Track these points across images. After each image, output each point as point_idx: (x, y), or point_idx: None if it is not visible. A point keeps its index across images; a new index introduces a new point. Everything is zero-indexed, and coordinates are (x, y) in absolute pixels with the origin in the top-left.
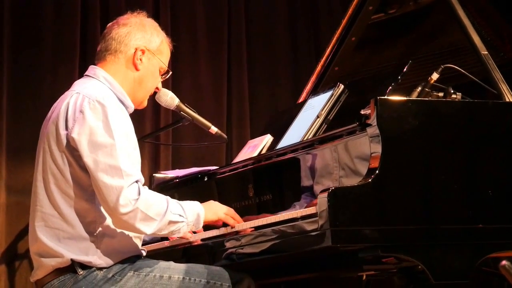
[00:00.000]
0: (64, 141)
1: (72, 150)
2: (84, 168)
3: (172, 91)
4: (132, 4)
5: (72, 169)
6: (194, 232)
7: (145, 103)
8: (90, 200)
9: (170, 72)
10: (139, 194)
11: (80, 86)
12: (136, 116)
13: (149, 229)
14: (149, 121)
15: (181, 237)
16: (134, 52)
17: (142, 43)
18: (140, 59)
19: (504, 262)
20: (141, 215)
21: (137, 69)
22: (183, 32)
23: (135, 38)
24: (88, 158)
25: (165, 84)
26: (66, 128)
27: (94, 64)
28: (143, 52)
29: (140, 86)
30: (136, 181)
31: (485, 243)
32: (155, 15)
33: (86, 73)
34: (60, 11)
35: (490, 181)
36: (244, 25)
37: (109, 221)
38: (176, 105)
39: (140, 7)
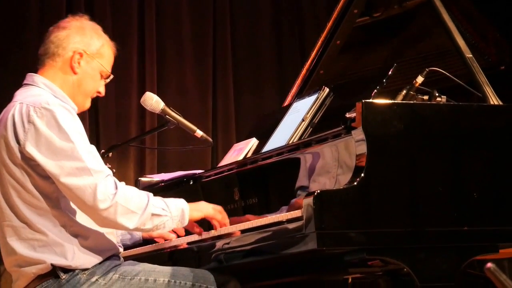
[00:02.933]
0: (18, 154)
1: (28, 161)
2: (44, 176)
3: (158, 95)
4: (117, 8)
5: (32, 179)
6: (179, 236)
7: (87, 105)
8: (56, 206)
9: (111, 76)
10: (116, 188)
11: (22, 96)
12: (122, 120)
13: (131, 223)
14: (134, 125)
15: (165, 239)
16: (72, 56)
17: (80, 46)
18: (78, 62)
19: (489, 265)
20: (121, 209)
21: (74, 73)
22: (169, 36)
23: (74, 42)
24: (51, 166)
25: (150, 88)
26: (18, 141)
27: (37, 68)
28: (81, 55)
29: (79, 89)
30: (109, 175)
31: (470, 246)
32: (140, 19)
33: (25, 81)
34: (45, 15)
35: (474, 184)
36: (229, 29)
37: (79, 223)
38: (161, 109)
39: (125, 11)
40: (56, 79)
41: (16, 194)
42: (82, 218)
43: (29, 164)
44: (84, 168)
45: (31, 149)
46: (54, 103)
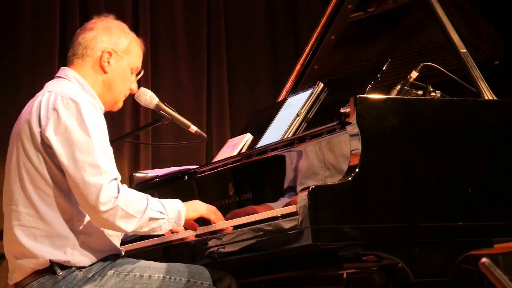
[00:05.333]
0: (39, 139)
1: (46, 148)
2: (59, 166)
3: (152, 90)
4: (111, 3)
5: (48, 166)
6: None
7: (120, 104)
8: (67, 197)
9: (142, 72)
10: (118, 192)
11: (51, 86)
12: (116, 116)
13: (129, 226)
14: (128, 120)
15: (173, 232)
16: (101, 55)
17: (109, 46)
18: (108, 62)
19: (484, 260)
20: (121, 212)
21: (105, 72)
22: (163, 31)
23: (101, 41)
24: (64, 156)
25: (144, 83)
26: (40, 126)
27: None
28: (110, 54)
29: (109, 89)
30: (115, 179)
31: (464, 241)
32: (135, 14)
33: (57, 74)
34: (39, 9)
35: (469, 179)
36: (223, 24)
37: (86, 219)
38: (156, 104)
39: (119, 5)
40: (87, 77)
41: (29, 179)
42: None
43: (47, 151)
44: (95, 165)
45: (50, 135)
46: (83, 97)
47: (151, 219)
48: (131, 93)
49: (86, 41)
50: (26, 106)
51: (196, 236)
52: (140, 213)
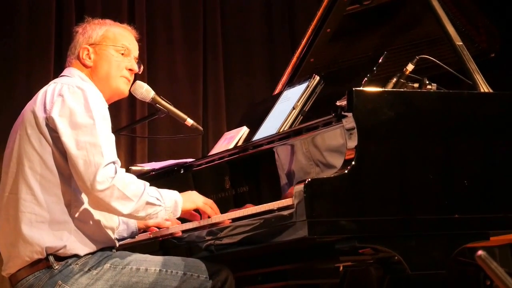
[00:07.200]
0: (43, 123)
1: (50, 131)
2: (61, 149)
3: (148, 84)
4: None
5: (50, 150)
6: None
7: (121, 87)
8: (66, 183)
9: (131, 49)
10: (115, 172)
11: (57, 79)
12: (112, 109)
13: (125, 208)
14: (124, 114)
15: (161, 228)
16: (80, 53)
17: (84, 43)
18: (89, 57)
19: (480, 252)
20: (117, 193)
21: (87, 66)
22: (159, 23)
23: (80, 43)
24: (68, 137)
25: (140, 77)
26: (45, 111)
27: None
28: (86, 49)
29: (101, 79)
30: (113, 162)
31: (461, 233)
32: (130, 7)
33: (62, 73)
34: (35, 4)
35: (465, 171)
36: (219, 16)
37: (83, 206)
38: (152, 98)
39: None
40: (86, 74)
41: (29, 164)
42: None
43: (51, 135)
44: (97, 145)
45: (55, 116)
46: (90, 86)
47: (147, 203)
48: (136, 73)
49: (73, 47)
50: (31, 100)
51: (193, 229)
52: (137, 196)
